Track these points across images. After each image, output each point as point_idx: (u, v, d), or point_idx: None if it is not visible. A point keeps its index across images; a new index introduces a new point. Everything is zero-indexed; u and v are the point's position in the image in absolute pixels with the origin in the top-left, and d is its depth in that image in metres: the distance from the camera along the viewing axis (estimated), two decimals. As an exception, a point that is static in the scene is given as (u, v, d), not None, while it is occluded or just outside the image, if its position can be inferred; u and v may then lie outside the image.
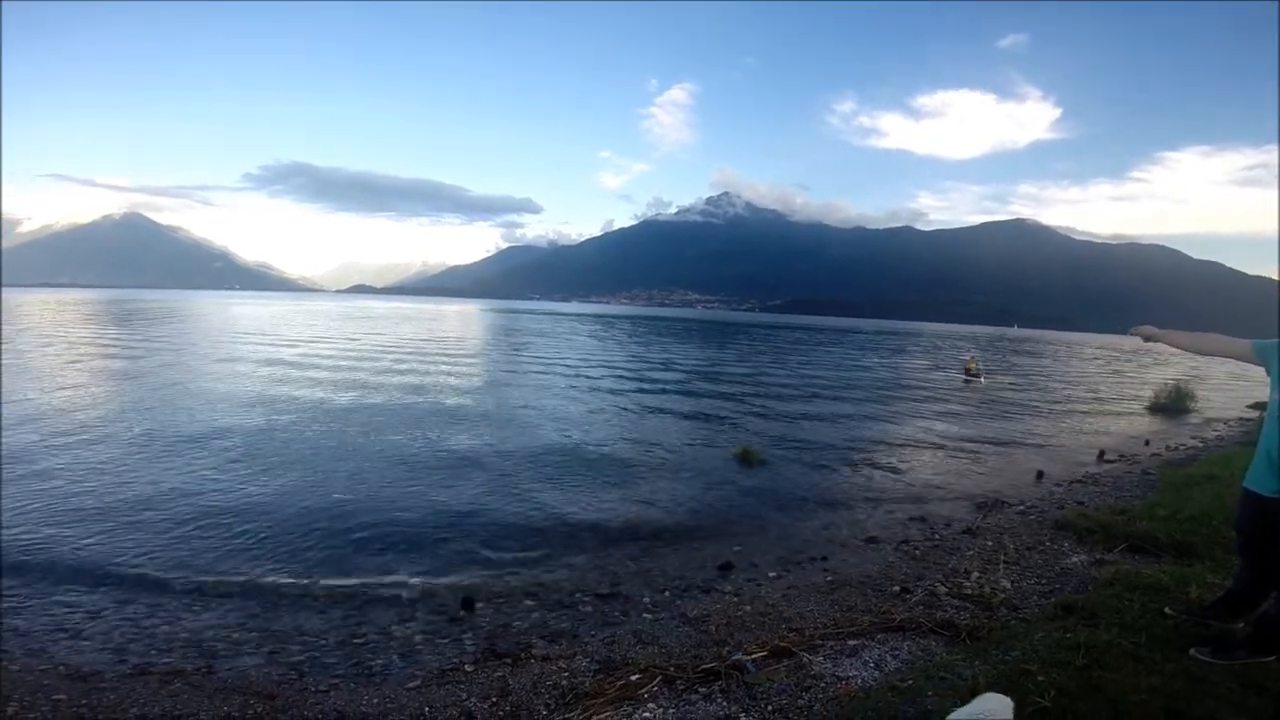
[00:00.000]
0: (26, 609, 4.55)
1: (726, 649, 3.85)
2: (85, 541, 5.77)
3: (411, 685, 3.63)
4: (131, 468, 8.17)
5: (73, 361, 19.07)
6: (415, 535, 6.28)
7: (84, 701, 3.25)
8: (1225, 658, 3.14)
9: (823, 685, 3.33)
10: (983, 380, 24.41)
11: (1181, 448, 12.29)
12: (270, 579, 5.22)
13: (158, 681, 3.58)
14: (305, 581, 5.20)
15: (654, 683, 3.41)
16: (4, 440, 9.10)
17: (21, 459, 8.28)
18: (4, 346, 21.95)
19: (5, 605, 4.58)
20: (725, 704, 3.19)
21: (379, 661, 4.04)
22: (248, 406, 12.75)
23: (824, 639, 3.96)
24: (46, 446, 9.00)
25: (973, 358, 27.08)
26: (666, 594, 5.22)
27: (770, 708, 3.13)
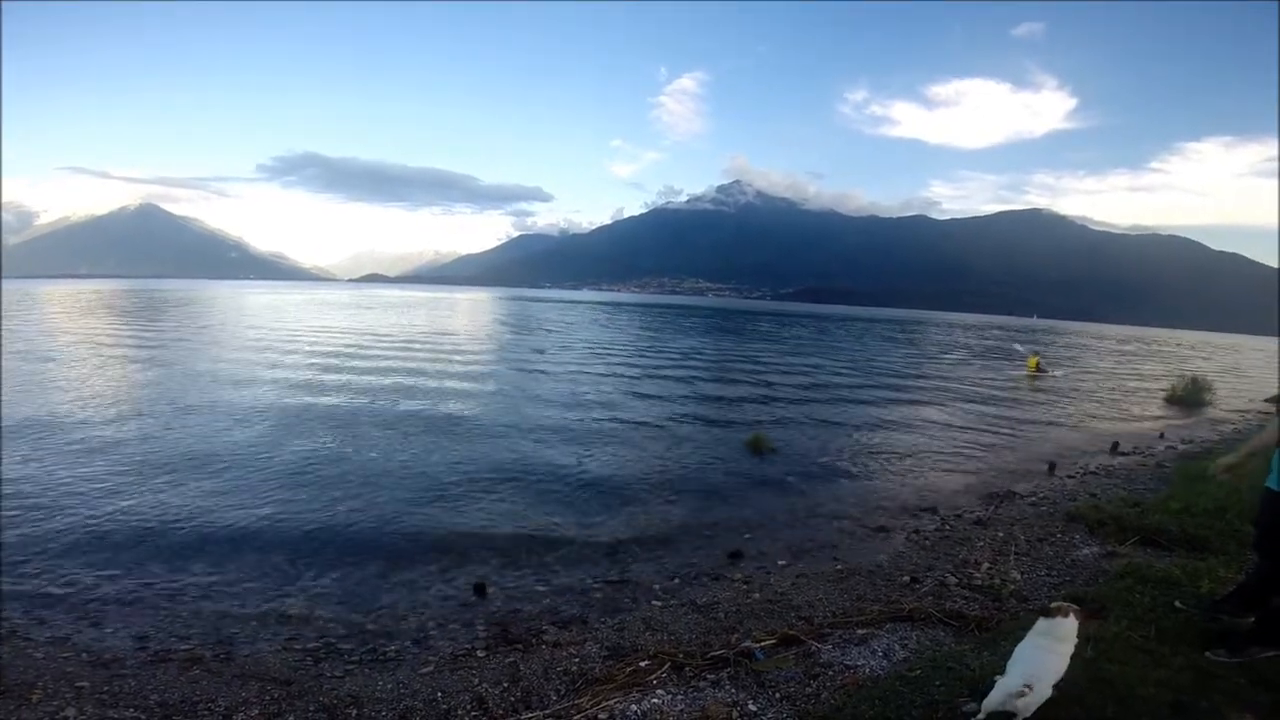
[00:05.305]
0: (49, 596, 4.64)
1: (735, 636, 3.89)
2: (105, 528, 5.90)
3: (425, 671, 3.70)
4: (153, 455, 8.32)
5: (84, 349, 19.40)
6: (428, 522, 6.36)
7: (105, 688, 3.32)
8: (1240, 655, 3.14)
9: (830, 674, 3.36)
10: (1056, 372, 24.14)
11: (1196, 441, 12.15)
12: (286, 567, 5.32)
13: (177, 668, 3.67)
14: (321, 568, 5.31)
15: (663, 669, 3.46)
16: (26, 425, 9.31)
17: (43, 444, 8.46)
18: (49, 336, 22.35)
19: (28, 592, 4.68)
20: (733, 691, 3.23)
21: (393, 647, 4.11)
22: (269, 395, 12.91)
23: (833, 628, 3.99)
24: (68, 432, 9.18)
25: (1035, 352, 26.66)
26: (676, 581, 5.28)
27: (778, 695, 3.16)
